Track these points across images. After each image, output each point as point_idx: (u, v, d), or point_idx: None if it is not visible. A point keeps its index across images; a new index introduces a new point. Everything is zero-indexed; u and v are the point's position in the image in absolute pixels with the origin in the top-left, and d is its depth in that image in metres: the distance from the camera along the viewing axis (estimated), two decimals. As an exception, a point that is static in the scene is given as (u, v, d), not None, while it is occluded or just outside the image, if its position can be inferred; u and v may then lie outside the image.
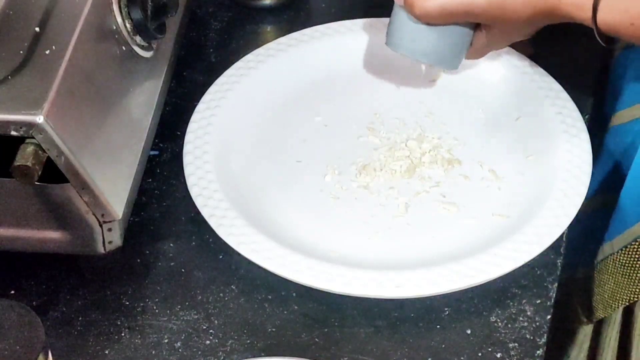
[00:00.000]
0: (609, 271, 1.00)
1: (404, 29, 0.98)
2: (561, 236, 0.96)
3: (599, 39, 0.90)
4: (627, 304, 1.01)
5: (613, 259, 1.00)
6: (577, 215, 0.96)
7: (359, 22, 1.14)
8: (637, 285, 0.99)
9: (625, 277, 0.99)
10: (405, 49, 0.99)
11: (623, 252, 0.98)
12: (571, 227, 0.97)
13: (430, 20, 0.96)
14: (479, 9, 0.93)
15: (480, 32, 0.98)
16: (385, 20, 1.02)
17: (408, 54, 1.00)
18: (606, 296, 1.01)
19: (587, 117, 1.06)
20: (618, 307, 1.01)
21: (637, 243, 0.97)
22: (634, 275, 0.99)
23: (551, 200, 0.97)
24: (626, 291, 1.00)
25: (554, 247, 0.95)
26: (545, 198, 0.98)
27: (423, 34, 0.98)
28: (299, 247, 0.95)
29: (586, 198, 0.97)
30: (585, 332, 1.09)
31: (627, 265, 0.99)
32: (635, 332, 1.02)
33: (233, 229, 0.95)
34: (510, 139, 1.05)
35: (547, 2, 0.91)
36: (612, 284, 1.00)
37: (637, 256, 0.98)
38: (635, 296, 0.99)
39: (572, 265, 1.05)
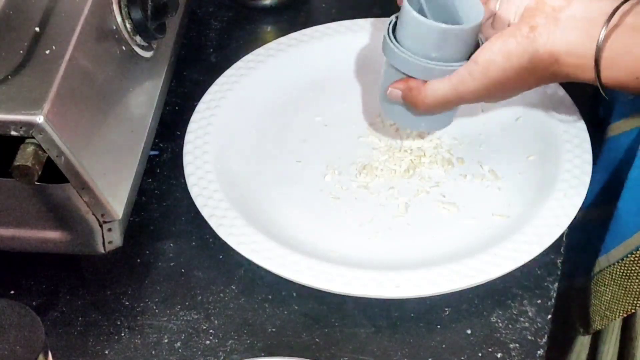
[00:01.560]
0: (606, 283, 1.00)
1: (400, 108, 0.98)
2: (561, 236, 0.96)
3: (604, 95, 0.89)
4: (624, 315, 1.00)
5: (610, 271, 0.99)
6: (574, 225, 0.96)
7: (359, 22, 1.14)
8: (634, 297, 0.98)
9: (622, 289, 0.99)
10: (399, 123, 1.03)
11: (620, 264, 0.98)
12: (569, 237, 0.97)
13: (432, 112, 0.97)
14: (478, 98, 0.94)
15: None
16: (385, 19, 1.02)
17: (401, 127, 1.04)
18: (603, 308, 1.00)
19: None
20: (615, 319, 1.00)
21: (633, 255, 0.97)
22: (631, 287, 0.98)
23: (551, 200, 0.97)
24: (623, 303, 0.99)
25: (554, 247, 0.95)
26: (545, 198, 0.97)
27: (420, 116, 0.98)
28: (299, 247, 0.95)
29: (583, 209, 0.97)
30: (582, 342, 1.08)
31: (624, 277, 0.98)
32: (637, 345, 1.02)
33: (233, 229, 0.95)
34: (510, 139, 1.05)
35: (546, 70, 0.90)
36: (609, 296, 0.99)
37: (633, 268, 0.97)
38: (632, 308, 0.99)
39: (570, 275, 1.05)
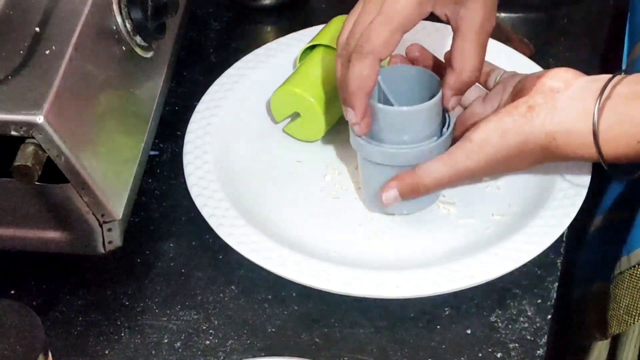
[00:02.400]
0: (625, 286, 0.98)
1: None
2: (561, 236, 0.96)
3: (607, 169, 0.89)
4: None
5: (629, 274, 0.97)
6: (594, 229, 0.95)
7: (359, 22, 1.14)
8: None
9: None
10: (390, 211, 0.99)
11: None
12: (588, 241, 0.96)
13: (434, 192, 0.96)
14: (477, 176, 0.94)
15: None
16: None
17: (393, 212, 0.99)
18: (621, 311, 0.99)
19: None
20: (633, 323, 0.99)
21: None
22: None
23: (551, 200, 0.97)
24: None
25: (554, 247, 0.95)
26: (545, 198, 0.97)
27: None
28: (299, 247, 0.95)
29: (603, 212, 0.96)
30: (599, 350, 1.07)
31: None
32: None
33: (233, 229, 0.95)
34: (510, 139, 1.05)
35: (544, 150, 0.90)
36: (628, 299, 0.98)
37: None
38: None
39: (589, 280, 1.04)
